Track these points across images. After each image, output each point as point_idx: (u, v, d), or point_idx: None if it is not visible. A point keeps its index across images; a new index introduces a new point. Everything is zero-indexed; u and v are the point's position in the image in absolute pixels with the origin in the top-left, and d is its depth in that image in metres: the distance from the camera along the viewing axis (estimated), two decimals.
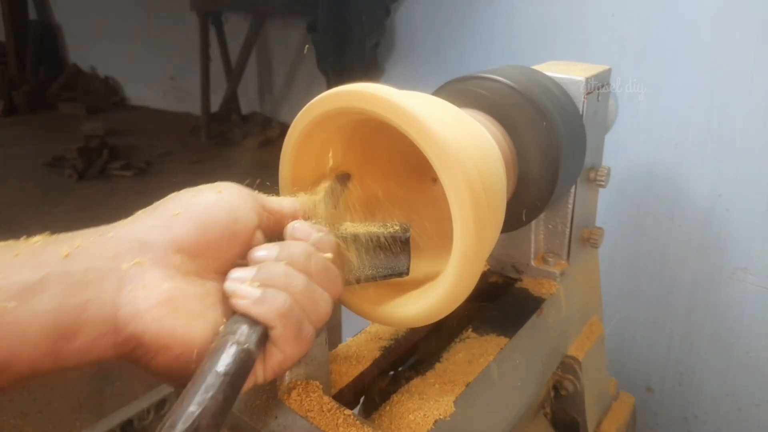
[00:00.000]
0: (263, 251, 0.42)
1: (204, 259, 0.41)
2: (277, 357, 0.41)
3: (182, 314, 0.38)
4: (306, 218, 0.48)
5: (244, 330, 0.38)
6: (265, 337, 0.40)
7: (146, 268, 0.38)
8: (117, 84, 5.32)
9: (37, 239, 0.38)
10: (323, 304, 0.43)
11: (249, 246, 0.43)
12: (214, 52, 4.22)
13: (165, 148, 4.12)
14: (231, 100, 4.35)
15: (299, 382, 0.51)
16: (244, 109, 4.50)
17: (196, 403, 0.34)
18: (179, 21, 4.44)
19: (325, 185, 0.53)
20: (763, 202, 1.08)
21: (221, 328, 0.39)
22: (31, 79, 5.13)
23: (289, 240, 0.44)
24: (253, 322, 0.39)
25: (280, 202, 0.47)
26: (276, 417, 0.49)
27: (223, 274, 0.42)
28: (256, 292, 0.40)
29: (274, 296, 0.40)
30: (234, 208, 0.42)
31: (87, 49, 5.36)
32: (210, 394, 0.34)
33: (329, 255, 0.45)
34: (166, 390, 1.91)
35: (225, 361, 0.36)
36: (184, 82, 4.76)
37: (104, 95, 5.15)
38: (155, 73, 4.94)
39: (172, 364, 0.38)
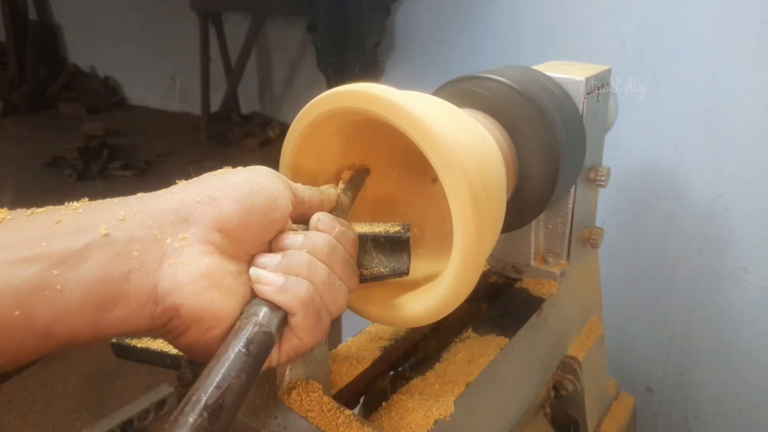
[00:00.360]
0: (289, 239, 0.44)
1: (240, 241, 0.42)
2: (293, 342, 0.43)
3: (219, 289, 0.39)
4: (329, 210, 0.49)
5: (266, 313, 0.40)
6: (284, 322, 0.41)
7: (188, 242, 0.39)
8: (117, 84, 5.32)
9: (78, 205, 0.39)
10: (341, 295, 0.44)
11: (280, 233, 0.45)
12: (214, 52, 4.22)
13: (165, 148, 4.12)
14: (231, 100, 4.36)
15: (299, 382, 0.51)
16: (244, 109, 4.50)
17: (221, 380, 0.34)
18: (179, 21, 4.44)
19: (346, 177, 0.55)
20: (763, 202, 1.08)
21: (245, 309, 0.40)
22: (31, 79, 5.13)
23: (313, 231, 0.46)
24: (274, 306, 0.40)
25: (309, 192, 0.48)
26: (276, 417, 0.49)
27: (253, 257, 0.44)
28: (279, 279, 0.41)
29: (297, 284, 0.41)
30: (275, 197, 0.43)
31: (87, 49, 5.36)
32: (234, 372, 0.35)
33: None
34: (166, 390, 1.92)
35: (249, 341, 0.37)
36: (184, 82, 4.75)
37: (104, 95, 5.15)
38: (155, 73, 4.94)
39: (200, 338, 0.40)
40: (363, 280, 0.49)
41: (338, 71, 1.69)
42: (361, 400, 0.63)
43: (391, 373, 0.66)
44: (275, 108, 4.42)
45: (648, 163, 1.20)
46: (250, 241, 0.43)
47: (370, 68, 1.64)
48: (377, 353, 0.64)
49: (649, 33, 1.14)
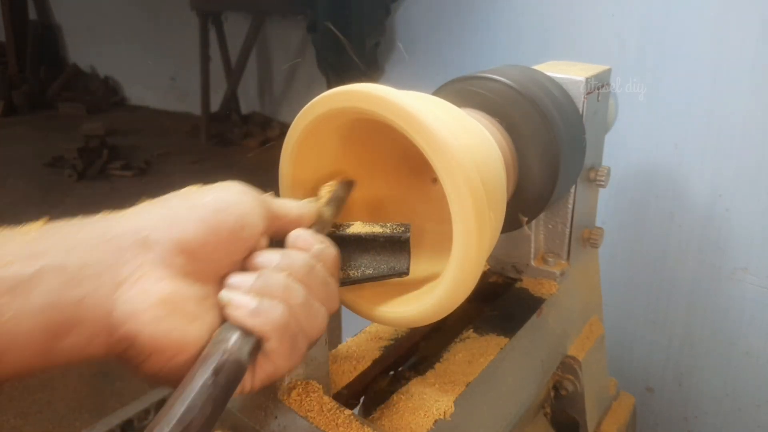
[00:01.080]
0: (264, 258, 0.41)
1: (205, 263, 0.40)
2: (267, 368, 0.40)
3: (179, 316, 0.37)
4: (309, 225, 0.47)
5: (236, 339, 0.37)
6: (257, 348, 0.39)
7: (147, 267, 0.37)
8: (117, 84, 5.32)
9: (32, 228, 0.36)
10: (320, 318, 0.42)
11: (252, 251, 0.42)
12: (214, 52, 4.22)
13: (165, 148, 4.12)
14: (231, 100, 4.35)
15: (299, 382, 0.51)
16: (244, 109, 4.50)
17: (184, 414, 0.33)
18: (179, 21, 4.43)
19: (329, 190, 0.53)
20: (763, 202, 1.08)
21: (215, 333, 0.38)
22: (31, 79, 5.13)
23: (291, 249, 0.43)
24: (246, 331, 0.38)
25: (287, 207, 0.46)
26: (276, 417, 0.49)
27: (222, 278, 0.41)
28: (252, 302, 0.38)
29: (271, 308, 0.39)
30: (243, 214, 0.41)
31: (87, 49, 5.36)
32: (199, 405, 0.33)
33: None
34: (166, 390, 1.91)
35: (217, 370, 0.35)
36: (184, 82, 4.75)
37: (104, 95, 5.15)
38: (155, 73, 4.93)
39: (163, 367, 0.37)
40: (363, 280, 0.49)
41: (338, 71, 1.69)
42: (361, 400, 0.63)
43: (391, 373, 0.66)
44: (275, 108, 4.41)
45: (648, 163, 1.20)
46: (218, 261, 0.40)
47: (370, 68, 1.64)
48: (377, 353, 0.64)
49: (649, 33, 1.14)
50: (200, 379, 0.34)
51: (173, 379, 0.37)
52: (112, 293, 0.36)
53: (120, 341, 0.36)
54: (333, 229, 0.50)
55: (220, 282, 0.41)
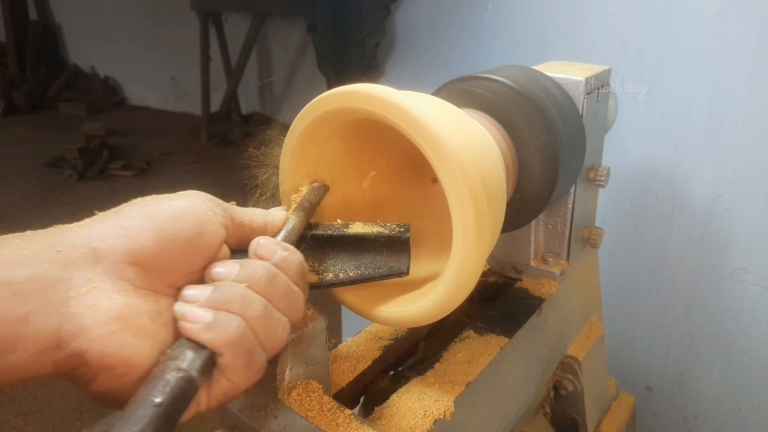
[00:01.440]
0: (222, 268, 0.40)
1: (161, 273, 0.38)
2: (223, 385, 0.38)
3: (131, 333, 0.35)
4: (275, 233, 0.45)
5: (188, 355, 0.35)
6: (211, 363, 0.37)
7: (97, 280, 0.35)
8: (117, 84, 5.32)
9: None
10: (280, 330, 0.40)
11: (212, 261, 0.41)
12: (214, 52, 4.22)
13: (165, 148, 4.13)
14: (231, 100, 4.36)
15: (299, 382, 0.51)
16: (244, 109, 4.51)
17: None
18: (179, 21, 4.44)
19: (298, 197, 0.52)
20: (763, 202, 1.08)
21: (168, 350, 0.36)
22: (31, 79, 5.14)
23: (253, 258, 0.41)
24: (199, 346, 0.36)
25: (251, 215, 0.45)
26: (276, 417, 0.49)
27: (179, 290, 0.39)
28: (207, 315, 0.37)
29: (226, 321, 0.37)
30: (200, 222, 0.39)
31: (87, 49, 5.37)
32: (139, 427, 0.31)
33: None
34: None
35: (162, 389, 0.33)
36: (184, 82, 4.76)
37: (104, 95, 5.16)
38: (155, 73, 4.94)
39: (113, 385, 0.36)
40: (363, 280, 0.49)
41: (338, 71, 1.69)
42: (361, 400, 0.63)
43: (391, 373, 0.66)
44: (275, 108, 4.42)
45: (648, 164, 1.20)
46: (174, 272, 0.39)
47: (370, 68, 1.64)
48: (377, 353, 0.64)
49: (649, 33, 1.14)
50: (145, 400, 0.33)
51: (122, 399, 0.35)
52: (60, 308, 0.34)
53: (68, 358, 0.34)
54: (333, 230, 0.50)
55: (177, 294, 0.39)
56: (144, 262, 0.37)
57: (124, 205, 0.40)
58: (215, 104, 4.32)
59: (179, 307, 0.38)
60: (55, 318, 0.34)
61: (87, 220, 0.38)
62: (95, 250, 0.36)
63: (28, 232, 0.36)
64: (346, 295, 0.55)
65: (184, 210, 0.39)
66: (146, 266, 0.37)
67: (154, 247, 0.37)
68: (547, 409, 0.82)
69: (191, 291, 0.39)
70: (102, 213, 0.39)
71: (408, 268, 0.49)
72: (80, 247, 0.36)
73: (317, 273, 0.49)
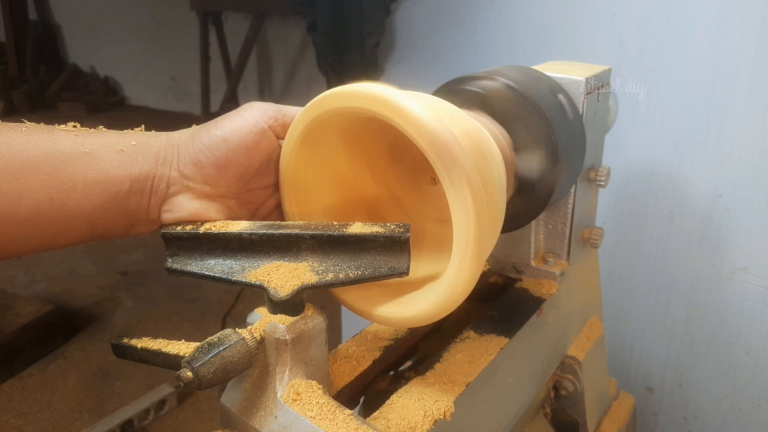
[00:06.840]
0: None
1: (224, 186, 0.52)
2: None
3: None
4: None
5: None
6: None
7: (179, 190, 0.51)
8: (117, 84, 5.32)
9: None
10: None
11: (268, 161, 0.53)
12: (214, 51, 4.22)
13: None
14: (231, 100, 4.35)
15: (299, 382, 0.51)
16: None
17: None
18: (179, 21, 4.44)
19: None
20: (763, 202, 1.08)
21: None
22: (31, 79, 5.13)
23: None
24: None
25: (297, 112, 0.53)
26: (276, 417, 0.49)
27: (245, 183, 0.53)
28: None
29: None
30: (250, 147, 0.51)
31: (87, 49, 5.36)
32: None
33: None
34: (166, 390, 1.92)
35: None
36: (184, 82, 4.76)
37: (104, 95, 5.15)
38: (155, 73, 4.94)
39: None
40: (363, 280, 0.49)
41: (338, 71, 1.69)
42: (361, 400, 0.63)
43: (391, 373, 0.66)
44: None
45: (648, 163, 1.20)
46: (234, 183, 0.52)
47: (370, 68, 1.64)
48: (377, 353, 0.64)
49: (649, 33, 1.14)
50: None
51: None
52: (159, 204, 0.51)
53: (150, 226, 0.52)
54: (333, 230, 0.50)
55: (240, 194, 0.53)
56: (211, 183, 0.51)
57: (199, 131, 0.52)
58: (215, 104, 4.32)
59: None
60: (157, 209, 0.51)
61: (172, 138, 0.54)
62: (181, 172, 0.51)
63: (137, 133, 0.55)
64: (346, 295, 0.55)
65: (239, 141, 0.51)
66: (213, 185, 0.51)
67: (218, 176, 0.51)
68: (547, 410, 0.82)
69: None
70: (183, 130, 0.54)
71: (408, 269, 0.49)
72: (164, 150, 0.52)
73: (317, 273, 0.49)
